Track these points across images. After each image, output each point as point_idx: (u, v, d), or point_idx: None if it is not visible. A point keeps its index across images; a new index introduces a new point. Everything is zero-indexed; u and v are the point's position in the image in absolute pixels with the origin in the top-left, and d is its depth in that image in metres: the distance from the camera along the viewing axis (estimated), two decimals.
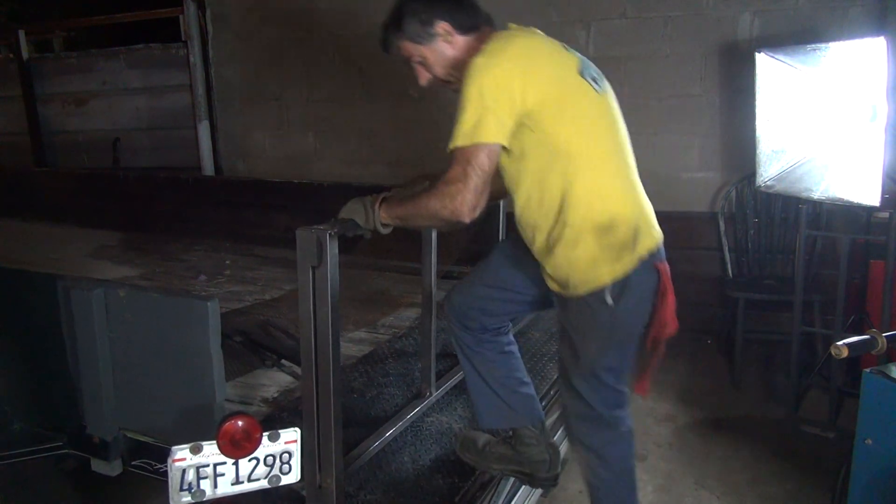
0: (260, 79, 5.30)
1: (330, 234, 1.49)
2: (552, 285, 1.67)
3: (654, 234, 1.66)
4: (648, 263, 1.61)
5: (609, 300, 1.57)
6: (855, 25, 3.66)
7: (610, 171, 1.61)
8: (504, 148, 1.53)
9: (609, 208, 1.57)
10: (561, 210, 1.57)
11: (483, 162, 1.47)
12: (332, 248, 1.49)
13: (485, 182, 1.48)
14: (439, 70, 1.69)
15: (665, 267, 1.64)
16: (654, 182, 4.19)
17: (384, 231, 1.62)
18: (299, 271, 1.51)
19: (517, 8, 4.22)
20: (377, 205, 1.60)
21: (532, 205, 1.61)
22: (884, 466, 1.60)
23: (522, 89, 1.50)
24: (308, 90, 5.14)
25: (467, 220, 1.49)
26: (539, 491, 2.38)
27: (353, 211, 1.62)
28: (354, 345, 2.74)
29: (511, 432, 1.87)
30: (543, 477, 1.85)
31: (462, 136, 1.48)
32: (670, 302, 1.63)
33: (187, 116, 5.55)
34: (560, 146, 1.55)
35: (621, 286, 1.58)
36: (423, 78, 1.72)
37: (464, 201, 1.47)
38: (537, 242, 1.64)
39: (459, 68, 1.61)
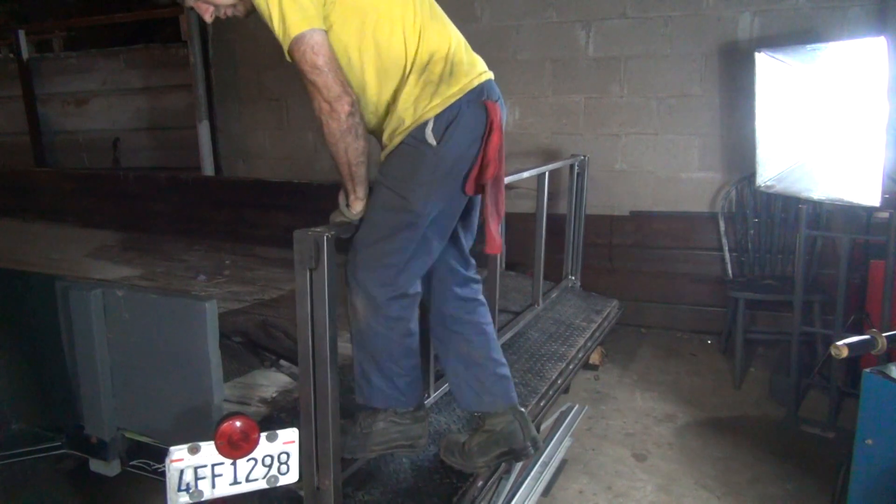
0: (260, 79, 5.30)
1: (327, 237, 1.49)
2: (382, 153, 1.68)
3: (479, 73, 1.65)
4: (475, 100, 1.61)
5: (432, 139, 1.57)
6: (855, 25, 3.66)
7: (423, 14, 1.61)
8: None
9: (425, 48, 1.59)
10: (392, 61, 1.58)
11: (310, 48, 1.49)
12: (329, 250, 1.49)
13: (327, 62, 1.50)
14: None
15: (494, 105, 1.62)
16: (653, 182, 4.32)
17: (362, 207, 1.68)
18: (297, 273, 1.51)
19: (517, 8, 4.27)
20: (340, 198, 1.70)
21: (368, 79, 1.61)
22: (884, 466, 1.60)
23: None
24: None
25: (343, 103, 1.50)
26: (539, 490, 2.38)
27: (336, 216, 1.72)
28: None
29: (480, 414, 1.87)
30: (521, 446, 1.81)
31: (285, 42, 1.51)
32: (495, 140, 1.61)
33: (187, 116, 5.55)
34: (358, 5, 1.55)
35: (445, 123, 1.58)
36: (208, 13, 1.67)
37: (325, 86, 1.50)
38: (385, 126, 1.64)
39: None
